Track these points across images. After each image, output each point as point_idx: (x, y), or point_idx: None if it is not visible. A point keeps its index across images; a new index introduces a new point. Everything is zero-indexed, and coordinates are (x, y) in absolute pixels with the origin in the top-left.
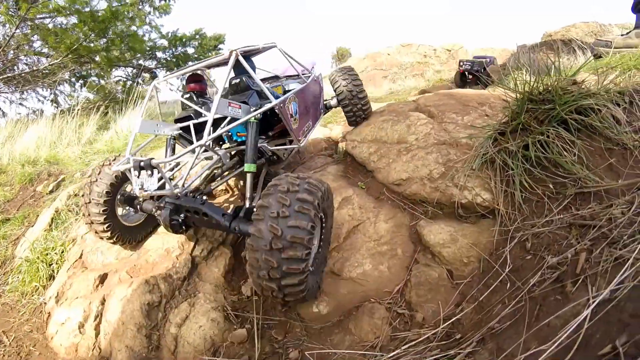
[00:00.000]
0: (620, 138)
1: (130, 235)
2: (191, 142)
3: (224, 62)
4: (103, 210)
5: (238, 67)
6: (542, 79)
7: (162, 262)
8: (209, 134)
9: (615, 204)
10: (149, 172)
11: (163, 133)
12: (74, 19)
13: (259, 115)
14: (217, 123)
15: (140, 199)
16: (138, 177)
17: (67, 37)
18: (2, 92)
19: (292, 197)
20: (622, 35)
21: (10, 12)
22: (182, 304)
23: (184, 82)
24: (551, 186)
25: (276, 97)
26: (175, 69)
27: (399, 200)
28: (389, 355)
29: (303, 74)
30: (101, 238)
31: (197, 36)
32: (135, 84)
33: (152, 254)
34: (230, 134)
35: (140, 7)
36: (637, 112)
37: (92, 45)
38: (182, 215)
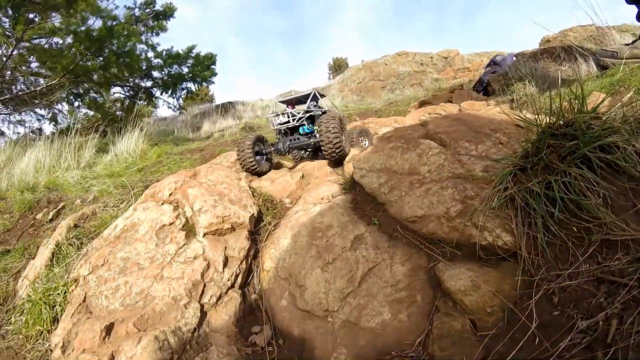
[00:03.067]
0: None
1: (260, 171)
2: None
3: (305, 95)
4: (249, 157)
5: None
6: (564, 112)
7: (169, 311)
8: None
9: None
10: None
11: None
12: (69, 39)
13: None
14: (295, 128)
15: (264, 151)
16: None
17: (63, 58)
18: (1, 113)
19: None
20: (626, 44)
21: (7, 33)
22: (195, 358)
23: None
24: (575, 229)
25: None
26: (171, 87)
27: (414, 239)
28: None
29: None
30: (250, 172)
31: (191, 54)
32: (133, 103)
33: (158, 302)
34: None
35: (136, 24)
36: None
37: (89, 64)
38: (287, 145)
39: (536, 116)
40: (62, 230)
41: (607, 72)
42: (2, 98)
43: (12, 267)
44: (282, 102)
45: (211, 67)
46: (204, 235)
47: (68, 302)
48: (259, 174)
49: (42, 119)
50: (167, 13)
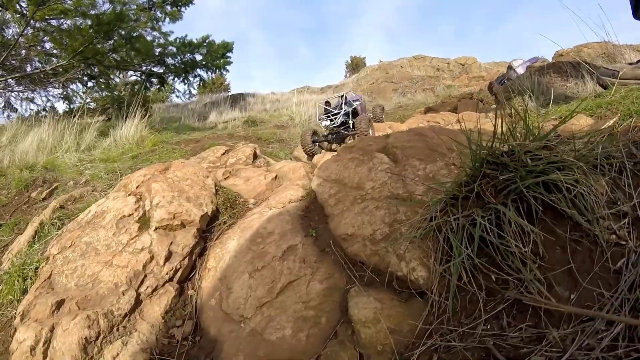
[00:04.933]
0: (592, 229)
1: (314, 153)
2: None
3: (340, 96)
4: (309, 143)
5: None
6: (507, 137)
7: (108, 295)
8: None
9: (547, 340)
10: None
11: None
12: (80, 21)
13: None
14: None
15: (316, 139)
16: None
17: (73, 40)
18: (15, 90)
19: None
20: (630, 63)
21: (23, 11)
22: (117, 340)
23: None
24: (493, 279)
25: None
26: (184, 74)
27: (341, 258)
28: None
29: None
30: (308, 155)
31: (205, 43)
32: (143, 88)
33: (102, 286)
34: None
35: (153, 9)
36: (626, 187)
37: (98, 47)
38: (333, 137)
39: (470, 142)
40: (48, 210)
41: (605, 93)
42: (16, 75)
43: (1, 240)
44: (324, 105)
45: (226, 55)
46: (155, 229)
47: (37, 277)
48: (313, 155)
49: (56, 98)
50: (186, 0)
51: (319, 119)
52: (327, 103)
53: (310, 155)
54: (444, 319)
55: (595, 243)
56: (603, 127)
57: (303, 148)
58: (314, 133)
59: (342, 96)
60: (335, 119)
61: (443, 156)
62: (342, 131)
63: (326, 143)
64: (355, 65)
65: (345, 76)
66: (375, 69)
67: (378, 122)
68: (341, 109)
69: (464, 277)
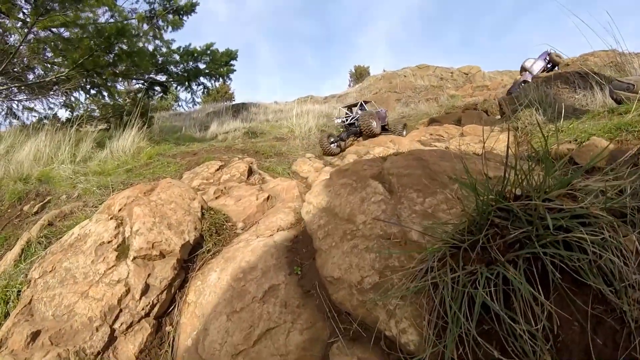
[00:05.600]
0: (618, 303)
1: (332, 153)
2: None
3: (355, 104)
4: (327, 143)
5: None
6: (520, 180)
7: (82, 330)
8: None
9: None
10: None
11: (341, 122)
12: (81, 33)
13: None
14: (351, 124)
15: (333, 139)
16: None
17: (73, 52)
18: (16, 99)
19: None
20: None
21: (25, 19)
22: None
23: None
24: (496, 356)
25: None
26: (187, 83)
27: (325, 304)
28: None
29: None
30: (326, 154)
31: (209, 51)
32: (146, 97)
33: (77, 319)
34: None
35: (155, 18)
36: None
37: (99, 59)
38: (347, 133)
39: (475, 186)
40: (36, 227)
41: (619, 108)
42: (17, 85)
43: None
44: (344, 107)
45: (230, 63)
46: (134, 259)
47: (19, 301)
48: (332, 154)
49: (57, 106)
50: (188, 9)
51: (339, 119)
52: (348, 108)
53: (330, 155)
54: None
55: (621, 321)
56: (626, 155)
57: (322, 150)
58: (330, 135)
59: (360, 104)
60: (349, 119)
61: (444, 187)
62: (352, 128)
63: (342, 142)
64: (359, 74)
65: (349, 85)
66: (378, 79)
67: (398, 136)
68: (355, 112)
69: (460, 349)
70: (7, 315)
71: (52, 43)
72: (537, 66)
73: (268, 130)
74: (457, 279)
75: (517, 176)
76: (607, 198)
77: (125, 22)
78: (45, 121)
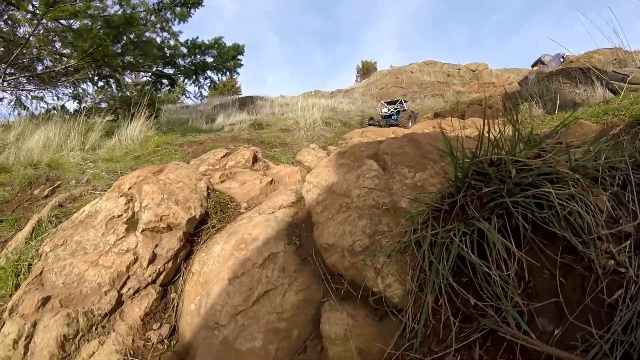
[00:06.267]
0: (587, 252)
1: None
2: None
3: (395, 100)
4: (367, 124)
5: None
6: (496, 145)
7: (91, 295)
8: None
9: None
10: (387, 110)
11: (381, 112)
12: (90, 23)
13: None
14: (389, 116)
15: (375, 122)
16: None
17: (82, 42)
18: (25, 89)
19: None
20: None
21: (35, 11)
22: (94, 340)
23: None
24: (471, 304)
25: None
26: (194, 76)
27: (321, 268)
28: None
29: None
30: None
31: (216, 45)
32: (153, 89)
33: (87, 285)
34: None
35: (162, 11)
36: (630, 203)
37: (107, 49)
38: (384, 124)
39: (452, 151)
40: (47, 208)
41: (614, 98)
42: (26, 75)
43: (1, 235)
44: (385, 102)
45: (237, 57)
46: (142, 231)
47: (29, 273)
48: None
49: (66, 97)
50: (195, 1)
51: (380, 109)
52: (388, 102)
53: None
54: (414, 344)
55: (589, 269)
56: (609, 134)
57: (361, 126)
58: (371, 118)
59: (400, 101)
60: (388, 111)
61: (435, 163)
62: (390, 121)
63: (378, 126)
64: (366, 70)
65: (356, 81)
66: (385, 74)
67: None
68: (396, 108)
69: (440, 299)
70: (17, 286)
71: (62, 33)
72: (554, 63)
73: (274, 122)
74: (436, 235)
75: (491, 142)
76: (570, 158)
77: (133, 10)
78: (53, 112)
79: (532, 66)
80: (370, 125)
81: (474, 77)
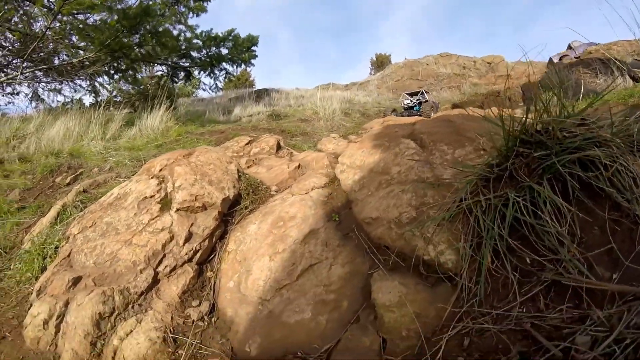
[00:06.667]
0: (632, 207)
1: None
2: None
3: (417, 92)
4: (390, 115)
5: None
6: (540, 114)
7: (126, 273)
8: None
9: (591, 318)
10: (409, 101)
11: (404, 104)
12: (107, 16)
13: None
14: (411, 107)
15: (398, 113)
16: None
17: (100, 33)
18: (42, 82)
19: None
20: None
21: (50, 5)
22: (131, 318)
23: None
24: (528, 261)
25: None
26: (209, 68)
27: (364, 242)
28: None
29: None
30: None
31: (230, 37)
32: (169, 82)
33: (121, 264)
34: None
35: (175, 6)
36: None
37: (125, 40)
38: (406, 115)
39: (502, 120)
40: (71, 193)
41: (637, 86)
42: (43, 67)
43: (24, 221)
44: (407, 94)
45: (251, 49)
46: (177, 210)
47: (56, 256)
48: None
49: (82, 90)
50: None
51: (402, 101)
52: (409, 94)
53: None
54: (474, 303)
55: (635, 223)
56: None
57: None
58: (394, 110)
59: (421, 93)
60: (410, 102)
61: (472, 141)
62: (412, 112)
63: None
64: (380, 62)
65: (370, 73)
66: (400, 67)
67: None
68: (418, 99)
69: (496, 260)
70: (44, 269)
71: (79, 26)
72: (581, 49)
73: (292, 113)
74: (489, 201)
75: (537, 112)
76: (612, 123)
77: (150, 1)
78: (70, 105)
79: (567, 49)
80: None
81: (490, 70)
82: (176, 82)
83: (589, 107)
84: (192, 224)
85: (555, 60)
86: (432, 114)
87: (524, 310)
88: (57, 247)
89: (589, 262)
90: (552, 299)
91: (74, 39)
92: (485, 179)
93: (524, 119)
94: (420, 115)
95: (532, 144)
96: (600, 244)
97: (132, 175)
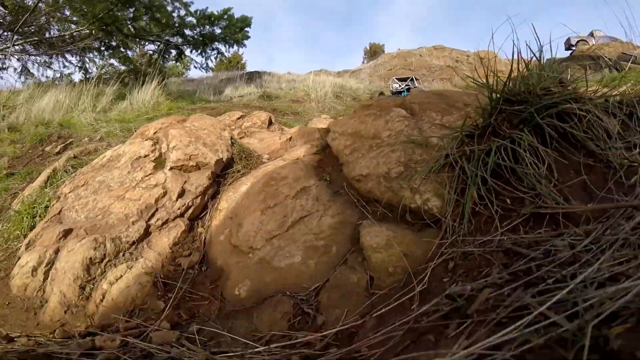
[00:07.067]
0: (605, 153)
1: None
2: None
3: (407, 77)
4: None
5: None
6: (524, 77)
7: (118, 224)
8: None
9: (568, 232)
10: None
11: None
12: None
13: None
14: (400, 92)
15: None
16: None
17: (92, 6)
18: (31, 55)
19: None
20: None
21: None
22: (121, 264)
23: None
24: (508, 201)
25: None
26: (202, 47)
27: (353, 197)
28: (258, 349)
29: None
30: None
31: (225, 16)
32: (161, 59)
33: (113, 217)
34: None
35: None
36: (637, 126)
37: (118, 14)
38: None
39: (487, 82)
40: (62, 159)
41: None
42: (34, 39)
43: (13, 187)
44: (397, 78)
45: (244, 29)
46: (171, 168)
47: (46, 214)
48: None
49: (72, 66)
50: None
51: (390, 85)
52: (399, 79)
53: None
54: (458, 238)
55: (608, 166)
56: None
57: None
58: (381, 93)
59: (411, 79)
60: (399, 87)
61: (459, 110)
62: (400, 96)
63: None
64: (373, 52)
65: (363, 62)
66: (393, 56)
67: None
68: (407, 85)
69: (479, 202)
70: (33, 227)
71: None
72: (602, 40)
73: (283, 95)
74: (474, 152)
75: (519, 73)
76: (587, 85)
77: None
78: (60, 80)
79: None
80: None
81: (482, 65)
82: (167, 61)
83: (566, 70)
84: (185, 182)
85: (573, 42)
86: None
87: (505, 238)
88: (47, 207)
89: (565, 196)
90: (532, 226)
91: (67, 12)
92: (470, 135)
93: (507, 80)
94: None
95: (514, 102)
96: (576, 183)
97: (123, 144)
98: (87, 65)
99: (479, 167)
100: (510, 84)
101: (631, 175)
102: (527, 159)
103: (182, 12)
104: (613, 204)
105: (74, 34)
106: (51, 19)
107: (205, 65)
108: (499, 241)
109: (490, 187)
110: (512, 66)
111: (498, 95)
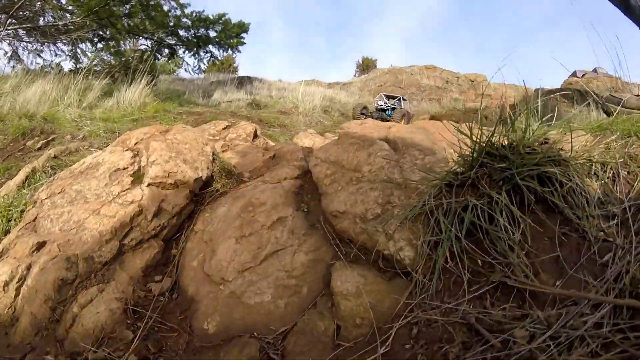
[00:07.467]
0: (582, 224)
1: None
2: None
3: (394, 96)
4: (358, 115)
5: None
6: (507, 130)
7: (91, 242)
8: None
9: (532, 316)
10: (382, 102)
11: (377, 104)
12: None
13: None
14: (384, 110)
15: (365, 113)
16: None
17: None
18: (23, 41)
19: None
20: (637, 95)
21: None
22: (93, 287)
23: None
24: (479, 263)
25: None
26: (195, 48)
27: (329, 234)
28: None
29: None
30: (355, 119)
31: (221, 21)
32: (153, 57)
33: (87, 233)
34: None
35: None
36: (618, 192)
37: (114, 9)
38: (377, 116)
39: (471, 133)
40: (42, 158)
41: (609, 119)
42: (28, 26)
43: None
44: (384, 95)
45: (240, 35)
46: (148, 185)
47: (22, 219)
48: (355, 119)
49: (63, 55)
50: None
51: (376, 101)
52: (387, 96)
53: (355, 119)
54: (426, 298)
55: (583, 238)
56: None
57: (353, 116)
58: (365, 107)
59: (398, 99)
60: (384, 105)
61: (443, 150)
62: (383, 115)
63: (370, 118)
64: (365, 66)
65: (355, 75)
66: (385, 72)
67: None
68: (393, 104)
69: (450, 260)
70: (7, 232)
71: None
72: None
73: (272, 104)
74: (450, 205)
75: (504, 128)
76: (572, 147)
77: None
78: (49, 69)
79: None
80: (362, 115)
81: (472, 87)
82: (159, 59)
83: (552, 129)
84: (162, 200)
85: (579, 75)
86: (402, 122)
87: (471, 307)
88: (22, 211)
89: (536, 269)
90: (498, 298)
91: (63, 0)
92: (449, 184)
93: (491, 133)
94: (389, 121)
95: (496, 157)
96: (548, 253)
97: (105, 146)
98: (78, 55)
99: (454, 224)
100: (494, 138)
101: (604, 252)
102: (502, 221)
103: (178, 12)
104: (579, 293)
105: (68, 23)
106: (46, 6)
107: (197, 67)
108: (464, 311)
109: (464, 246)
110: (498, 117)
111: (483, 144)
